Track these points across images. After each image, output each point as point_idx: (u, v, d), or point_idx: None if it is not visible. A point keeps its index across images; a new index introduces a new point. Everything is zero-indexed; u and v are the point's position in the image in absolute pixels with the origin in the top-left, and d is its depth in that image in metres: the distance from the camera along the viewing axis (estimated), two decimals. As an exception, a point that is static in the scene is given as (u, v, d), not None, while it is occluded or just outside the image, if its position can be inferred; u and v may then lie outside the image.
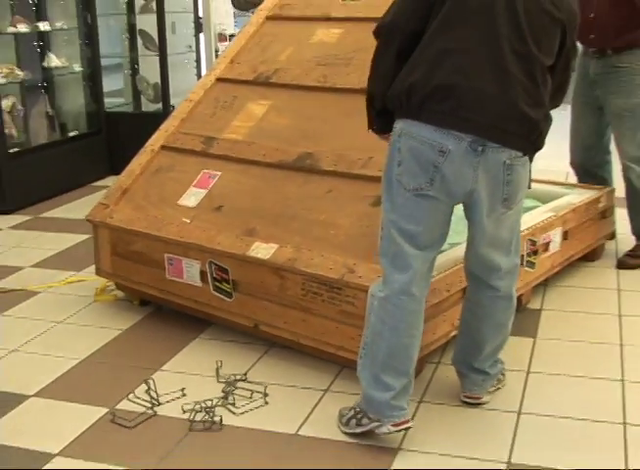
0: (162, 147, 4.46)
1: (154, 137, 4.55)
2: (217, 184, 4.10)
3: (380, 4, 4.20)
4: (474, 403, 3.17)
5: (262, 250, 3.58)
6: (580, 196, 4.62)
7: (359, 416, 2.94)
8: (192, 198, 4.06)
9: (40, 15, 6.87)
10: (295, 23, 4.80)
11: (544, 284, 4.30)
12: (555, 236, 4.19)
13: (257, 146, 4.15)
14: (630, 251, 4.76)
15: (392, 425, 2.87)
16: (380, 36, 2.96)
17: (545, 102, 2.80)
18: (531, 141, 2.80)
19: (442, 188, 2.77)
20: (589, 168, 4.88)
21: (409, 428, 2.90)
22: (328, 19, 4.65)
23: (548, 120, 2.83)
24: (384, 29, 2.94)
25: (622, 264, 4.68)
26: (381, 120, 3.03)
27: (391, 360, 2.88)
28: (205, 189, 4.09)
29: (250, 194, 3.97)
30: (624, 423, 3.02)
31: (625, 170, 4.65)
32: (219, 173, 4.14)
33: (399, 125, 2.81)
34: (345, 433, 2.99)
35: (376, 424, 2.89)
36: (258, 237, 3.69)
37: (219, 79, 4.70)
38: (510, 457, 2.83)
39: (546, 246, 4.12)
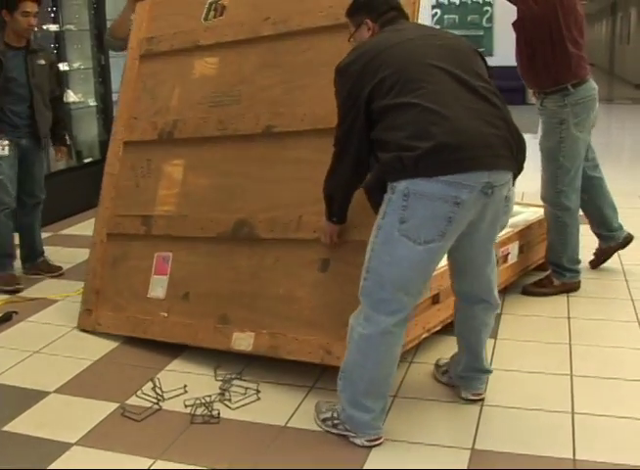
0: (109, 235, 4.08)
1: (96, 225, 4.16)
2: (174, 267, 3.79)
3: (241, 20, 3.86)
4: (478, 400, 3.13)
5: (243, 341, 3.41)
6: (534, 214, 4.63)
7: (336, 422, 2.90)
8: (158, 288, 3.79)
9: (60, 56, 6.88)
10: (169, 58, 4.14)
11: (503, 291, 4.30)
12: (513, 249, 4.21)
13: (192, 219, 3.77)
14: (540, 280, 4.48)
15: (367, 440, 2.84)
16: (338, 145, 2.88)
17: (510, 118, 2.73)
18: (517, 159, 2.73)
19: (452, 235, 2.66)
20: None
21: (380, 443, 2.86)
22: (198, 47, 4.02)
23: (521, 137, 2.75)
24: (341, 140, 2.85)
25: (526, 292, 4.41)
26: (342, 213, 3.08)
27: (372, 388, 2.81)
28: (166, 275, 3.80)
29: (207, 275, 3.67)
30: (572, 412, 3.04)
31: (550, 209, 4.36)
32: (170, 254, 3.82)
33: (402, 185, 2.59)
34: (321, 427, 2.96)
35: (351, 435, 2.86)
36: (233, 324, 3.48)
37: (127, 143, 4.15)
38: (474, 445, 2.84)
39: (505, 258, 4.13)
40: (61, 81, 5.31)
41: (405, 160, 2.56)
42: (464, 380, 3.17)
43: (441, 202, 2.56)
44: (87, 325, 4.02)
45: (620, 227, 4.77)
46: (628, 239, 4.77)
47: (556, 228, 4.35)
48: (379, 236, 2.69)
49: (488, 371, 3.18)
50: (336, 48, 3.19)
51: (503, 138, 2.66)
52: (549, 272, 4.48)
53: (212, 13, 4.01)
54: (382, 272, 2.69)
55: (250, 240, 3.57)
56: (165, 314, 3.73)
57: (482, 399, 3.15)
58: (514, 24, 4.24)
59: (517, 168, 2.76)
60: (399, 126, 2.61)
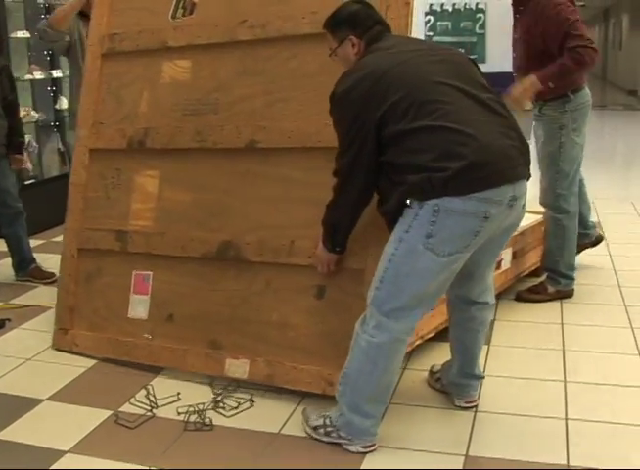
0: (80, 250, 3.86)
1: (65, 239, 3.94)
2: (155, 287, 3.62)
3: (215, 21, 3.58)
4: (471, 407, 3.12)
5: (237, 368, 3.34)
6: (527, 220, 4.63)
7: (329, 430, 2.87)
8: (139, 308, 3.64)
9: (53, 63, 6.90)
10: (135, 59, 3.83)
11: (497, 297, 4.27)
12: (506, 255, 4.20)
13: (171, 237, 3.58)
14: (534, 286, 4.48)
15: (362, 446, 2.83)
16: (341, 176, 2.79)
17: (517, 125, 2.72)
18: (528, 165, 2.72)
19: (474, 247, 2.65)
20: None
21: (374, 450, 2.85)
22: (168, 48, 3.73)
23: (526, 142, 2.73)
24: (345, 171, 2.76)
25: (520, 298, 4.42)
26: (346, 242, 2.99)
27: (376, 394, 2.81)
28: (146, 295, 3.64)
29: (192, 296, 3.53)
30: (566, 418, 3.04)
31: (555, 216, 4.40)
32: (150, 273, 3.65)
33: (432, 202, 2.54)
34: (311, 436, 2.94)
35: (346, 442, 2.85)
36: (224, 349, 3.39)
37: (93, 150, 3.88)
38: (467, 451, 2.84)
39: (498, 264, 4.13)
40: (14, 86, 5.04)
41: (434, 180, 2.52)
42: (457, 387, 3.15)
43: (472, 217, 2.55)
44: (63, 345, 3.85)
45: (594, 225, 4.93)
46: (600, 238, 4.97)
47: (555, 232, 4.39)
48: (400, 248, 2.64)
49: (481, 377, 3.17)
50: (320, 59, 3.09)
51: (517, 147, 2.66)
52: (543, 279, 4.49)
53: (181, 10, 3.72)
54: (399, 283, 2.67)
55: (236, 262, 3.43)
56: (149, 336, 3.61)
57: (476, 406, 3.14)
58: (525, 39, 4.19)
59: (528, 173, 2.75)
60: (423, 149, 2.56)
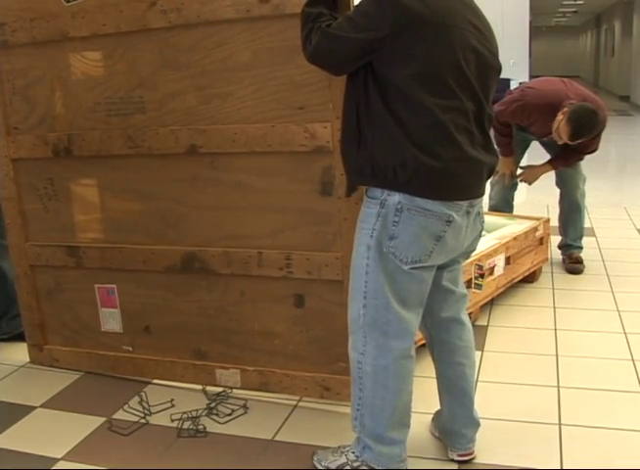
0: (32, 266, 3.62)
1: (14, 257, 3.64)
2: (123, 300, 3.45)
3: (117, 3, 3.09)
4: (467, 461, 2.79)
5: (229, 378, 3.32)
6: (520, 225, 4.68)
7: (356, 465, 2.62)
8: (111, 321, 3.51)
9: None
10: (34, 52, 3.32)
11: (490, 303, 4.33)
12: (499, 261, 4.23)
13: (130, 251, 3.36)
14: (569, 258, 5.07)
15: None
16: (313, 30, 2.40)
17: (493, 145, 2.58)
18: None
19: (439, 256, 2.47)
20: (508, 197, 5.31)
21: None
22: (69, 38, 3.22)
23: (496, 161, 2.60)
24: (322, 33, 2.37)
25: (574, 271, 4.98)
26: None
27: (398, 418, 2.59)
28: (116, 308, 3.48)
29: (164, 307, 3.38)
30: (559, 423, 3.05)
31: (573, 193, 5.00)
32: (114, 286, 3.46)
33: (396, 199, 2.38)
34: None
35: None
36: (211, 359, 3.34)
37: (16, 161, 3.48)
38: (461, 456, 2.84)
39: (491, 270, 4.15)
40: None
41: (400, 172, 2.35)
42: (449, 435, 2.86)
43: (435, 219, 2.39)
44: (42, 361, 3.75)
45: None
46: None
47: (581, 208, 5.07)
48: (370, 257, 2.46)
49: (477, 423, 2.83)
50: (253, 47, 2.83)
51: (487, 165, 2.51)
52: (569, 252, 5.09)
53: None
54: (382, 293, 2.47)
55: (204, 273, 3.26)
56: (130, 348, 3.54)
57: (473, 459, 2.82)
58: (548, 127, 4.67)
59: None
60: (409, 125, 2.34)
